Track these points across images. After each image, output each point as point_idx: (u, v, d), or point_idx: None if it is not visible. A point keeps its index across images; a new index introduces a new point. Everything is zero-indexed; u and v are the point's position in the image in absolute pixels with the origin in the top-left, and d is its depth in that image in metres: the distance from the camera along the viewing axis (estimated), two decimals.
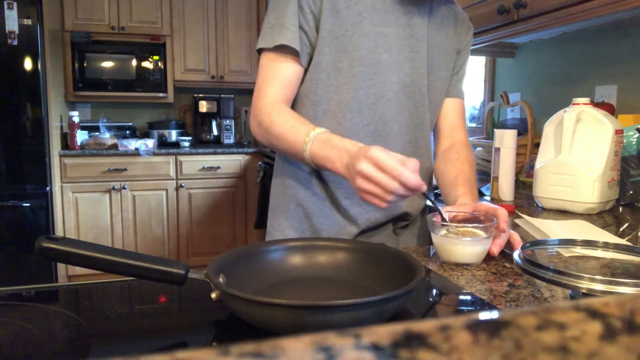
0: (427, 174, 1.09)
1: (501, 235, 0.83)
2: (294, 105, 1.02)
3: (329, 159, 0.84)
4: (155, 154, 3.30)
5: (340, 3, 0.94)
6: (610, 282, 0.54)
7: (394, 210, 1.04)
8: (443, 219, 0.83)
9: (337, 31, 0.95)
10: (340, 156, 0.82)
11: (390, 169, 0.72)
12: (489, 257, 0.83)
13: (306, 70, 0.99)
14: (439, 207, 0.83)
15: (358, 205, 1.01)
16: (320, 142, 0.85)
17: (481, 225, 0.82)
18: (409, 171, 0.73)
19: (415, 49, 1.00)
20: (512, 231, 0.86)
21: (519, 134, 1.82)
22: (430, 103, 1.06)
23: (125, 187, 3.27)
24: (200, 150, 3.40)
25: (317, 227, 1.02)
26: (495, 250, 0.82)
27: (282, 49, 0.95)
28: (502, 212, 0.82)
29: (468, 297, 0.68)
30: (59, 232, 3.10)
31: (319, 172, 1.02)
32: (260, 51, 0.99)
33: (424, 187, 0.75)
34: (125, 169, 3.26)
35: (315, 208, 1.02)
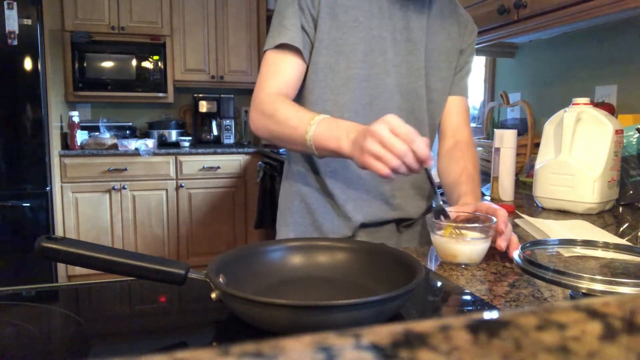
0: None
1: (505, 231, 0.83)
2: None
3: (334, 138, 0.84)
4: (155, 154, 3.30)
5: (339, 8, 0.97)
6: (610, 282, 0.54)
7: (390, 210, 1.05)
8: (441, 218, 0.83)
9: (334, 34, 0.97)
10: (347, 133, 0.82)
11: (404, 134, 0.74)
12: (489, 257, 0.83)
13: None
14: (441, 204, 0.84)
15: (353, 200, 1.02)
16: (326, 122, 0.86)
17: (480, 225, 0.82)
18: (421, 141, 0.74)
19: (412, 52, 1.02)
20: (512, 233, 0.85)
21: (519, 134, 1.82)
22: (431, 103, 1.06)
23: (125, 187, 3.27)
24: (200, 150, 3.40)
25: (319, 222, 1.04)
26: (503, 245, 0.81)
27: (284, 48, 0.97)
28: (502, 213, 0.82)
29: (468, 297, 0.68)
30: (59, 232, 3.10)
31: (318, 169, 1.03)
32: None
33: (431, 163, 0.76)
34: (125, 169, 3.26)
35: (317, 204, 1.05)
